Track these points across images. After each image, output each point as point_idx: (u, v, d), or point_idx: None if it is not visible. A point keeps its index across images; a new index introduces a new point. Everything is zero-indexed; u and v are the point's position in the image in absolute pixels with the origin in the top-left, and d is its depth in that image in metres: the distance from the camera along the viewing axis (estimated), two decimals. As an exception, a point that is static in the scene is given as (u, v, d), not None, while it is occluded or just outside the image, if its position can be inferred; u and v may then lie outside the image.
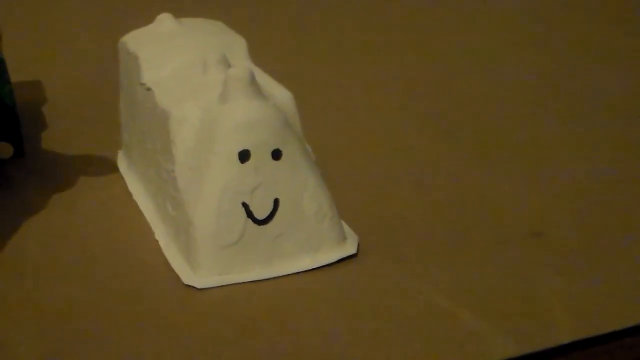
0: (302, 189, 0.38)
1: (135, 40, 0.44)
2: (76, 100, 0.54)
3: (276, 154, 0.37)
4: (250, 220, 0.37)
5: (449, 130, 0.52)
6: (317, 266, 0.38)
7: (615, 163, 0.48)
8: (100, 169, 0.48)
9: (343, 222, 0.40)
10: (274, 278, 0.38)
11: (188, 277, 0.38)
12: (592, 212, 0.43)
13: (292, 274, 0.38)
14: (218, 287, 0.37)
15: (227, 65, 0.40)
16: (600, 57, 0.63)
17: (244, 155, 0.37)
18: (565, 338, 0.34)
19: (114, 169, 0.48)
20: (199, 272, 0.38)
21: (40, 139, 0.51)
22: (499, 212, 0.43)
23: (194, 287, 0.37)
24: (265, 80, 0.41)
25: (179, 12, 0.50)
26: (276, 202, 0.38)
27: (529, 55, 0.64)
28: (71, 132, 0.52)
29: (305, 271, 0.38)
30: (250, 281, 0.38)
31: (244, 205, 0.37)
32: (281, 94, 0.40)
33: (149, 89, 0.42)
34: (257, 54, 0.45)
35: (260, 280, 0.38)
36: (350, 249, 0.39)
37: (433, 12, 0.73)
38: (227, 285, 0.37)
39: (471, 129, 0.52)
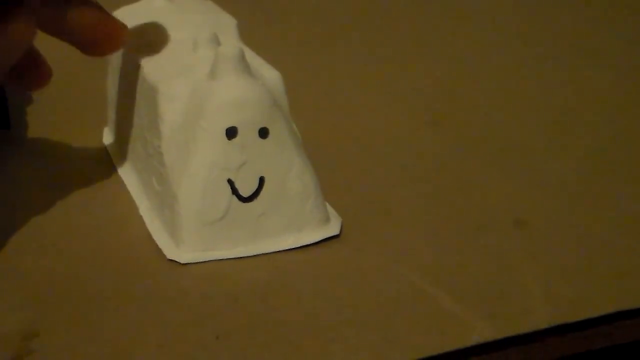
0: (288, 169, 0.38)
1: (126, 16, 0.44)
2: (63, 75, 0.53)
3: (263, 133, 0.38)
4: (235, 197, 0.38)
5: (437, 120, 0.52)
6: (299, 245, 0.39)
7: (600, 157, 0.48)
8: (85, 144, 0.48)
9: (327, 204, 0.40)
10: (256, 255, 0.38)
11: (171, 252, 0.38)
12: (575, 203, 0.43)
13: (274, 252, 0.38)
14: (201, 262, 0.38)
15: (218, 43, 0.41)
16: (589, 55, 0.63)
17: (231, 132, 0.37)
18: (542, 324, 0.35)
19: (100, 144, 0.48)
20: (182, 247, 0.38)
21: (26, 112, 0.51)
22: (483, 199, 0.43)
23: (177, 262, 0.38)
24: (254, 59, 0.41)
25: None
26: (261, 180, 0.38)
27: (517, 51, 0.65)
28: (57, 107, 0.52)
29: (288, 250, 0.39)
30: (233, 258, 0.38)
31: (230, 182, 0.37)
32: (270, 74, 0.40)
33: (137, 66, 0.42)
34: (247, 35, 0.45)
35: (243, 257, 0.38)
36: (333, 229, 0.40)
37: (428, 6, 0.74)
38: (210, 261, 0.38)
39: (458, 120, 0.52)
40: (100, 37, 0.39)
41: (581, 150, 0.49)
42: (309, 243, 0.39)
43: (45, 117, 0.50)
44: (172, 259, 0.38)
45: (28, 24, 0.36)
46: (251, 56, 0.42)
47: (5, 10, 0.35)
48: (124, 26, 0.40)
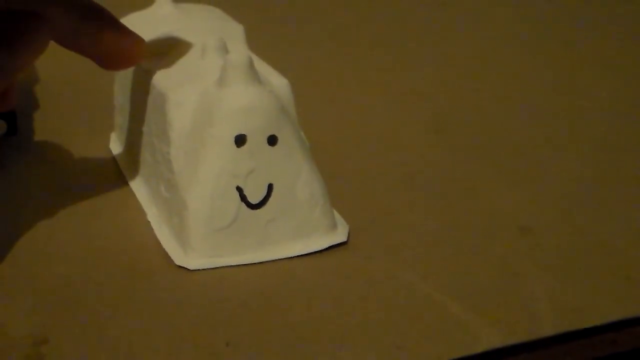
0: (296, 176, 0.39)
1: (133, 23, 0.44)
2: (69, 81, 0.54)
3: (272, 140, 0.38)
4: (243, 204, 0.38)
5: (443, 127, 0.52)
6: (307, 252, 0.39)
7: (604, 164, 0.49)
8: (92, 151, 0.48)
9: (334, 210, 0.41)
10: (264, 262, 0.38)
11: (180, 258, 0.38)
12: (580, 210, 0.44)
13: (282, 258, 0.39)
14: (209, 269, 0.38)
15: (226, 50, 0.41)
16: (591, 61, 0.64)
17: (240, 140, 0.37)
18: (548, 331, 0.35)
19: (107, 150, 0.48)
20: (191, 254, 0.38)
21: (33, 118, 0.51)
22: (488, 207, 0.44)
23: (185, 268, 0.38)
24: (261, 67, 0.42)
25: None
26: (270, 187, 0.38)
27: (521, 56, 0.65)
28: (64, 113, 0.52)
29: (296, 256, 0.39)
30: (242, 264, 0.38)
31: (238, 189, 0.38)
32: (278, 81, 0.41)
33: (146, 72, 0.42)
34: (254, 42, 0.45)
35: (251, 263, 0.38)
36: (340, 236, 0.40)
37: (433, 12, 0.74)
38: (219, 267, 0.38)
39: (464, 127, 0.53)
40: (118, 51, 0.39)
41: (586, 157, 0.49)
42: (316, 250, 0.39)
43: (52, 123, 0.50)
44: (181, 265, 0.38)
45: (44, 38, 0.37)
46: (259, 63, 0.42)
47: (24, 21, 0.36)
48: (141, 40, 0.40)
